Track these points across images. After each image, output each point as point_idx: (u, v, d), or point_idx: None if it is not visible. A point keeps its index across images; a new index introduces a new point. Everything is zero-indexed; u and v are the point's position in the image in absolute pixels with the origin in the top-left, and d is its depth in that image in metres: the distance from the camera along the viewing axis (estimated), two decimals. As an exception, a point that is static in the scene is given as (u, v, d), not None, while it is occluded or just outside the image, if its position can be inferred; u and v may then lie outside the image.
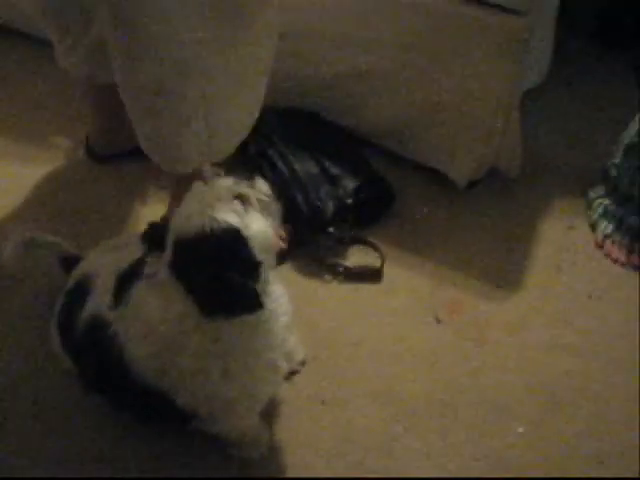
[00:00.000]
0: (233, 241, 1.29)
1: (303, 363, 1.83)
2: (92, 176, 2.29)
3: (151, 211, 2.14)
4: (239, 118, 1.83)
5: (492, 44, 1.97)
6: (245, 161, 2.19)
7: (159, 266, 1.36)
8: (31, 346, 1.86)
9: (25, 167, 2.31)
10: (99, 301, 1.53)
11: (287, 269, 2.02)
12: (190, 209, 1.32)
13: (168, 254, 1.34)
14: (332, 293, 2.01)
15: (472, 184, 2.21)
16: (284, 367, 1.56)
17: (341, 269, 2.04)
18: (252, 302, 1.31)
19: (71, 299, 1.64)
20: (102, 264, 1.62)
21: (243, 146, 2.17)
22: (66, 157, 2.35)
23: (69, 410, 1.76)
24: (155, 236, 1.40)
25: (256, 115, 1.87)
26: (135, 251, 1.58)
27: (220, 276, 1.28)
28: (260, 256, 1.33)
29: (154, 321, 1.38)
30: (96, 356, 1.52)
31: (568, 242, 2.15)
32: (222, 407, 1.49)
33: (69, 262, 1.77)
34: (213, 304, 1.32)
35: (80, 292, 1.59)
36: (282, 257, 1.97)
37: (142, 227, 1.72)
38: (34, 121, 2.46)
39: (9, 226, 1.96)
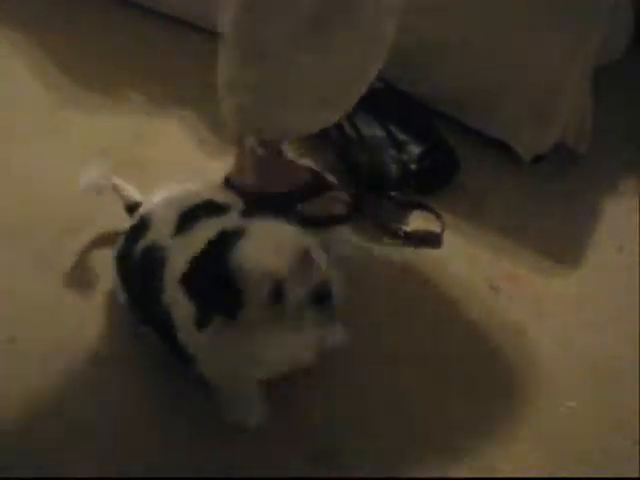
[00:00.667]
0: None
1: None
2: (157, 129, 2.33)
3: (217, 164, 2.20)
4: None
5: (569, 14, 1.94)
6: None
7: None
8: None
9: (97, 116, 2.37)
10: (159, 231, 1.60)
11: (348, 231, 2.05)
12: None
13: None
14: (391, 256, 2.02)
15: (538, 158, 2.19)
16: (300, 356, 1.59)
17: (401, 233, 2.05)
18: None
19: (134, 232, 1.70)
20: (167, 203, 1.69)
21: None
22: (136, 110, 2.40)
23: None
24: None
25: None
26: (200, 195, 1.69)
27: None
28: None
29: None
30: (145, 280, 1.57)
31: (632, 224, 2.12)
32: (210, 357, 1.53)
33: (134, 208, 1.83)
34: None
35: (143, 225, 1.67)
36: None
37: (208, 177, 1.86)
38: (111, 74, 2.51)
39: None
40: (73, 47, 2.60)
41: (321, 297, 1.33)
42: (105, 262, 1.87)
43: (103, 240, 2.01)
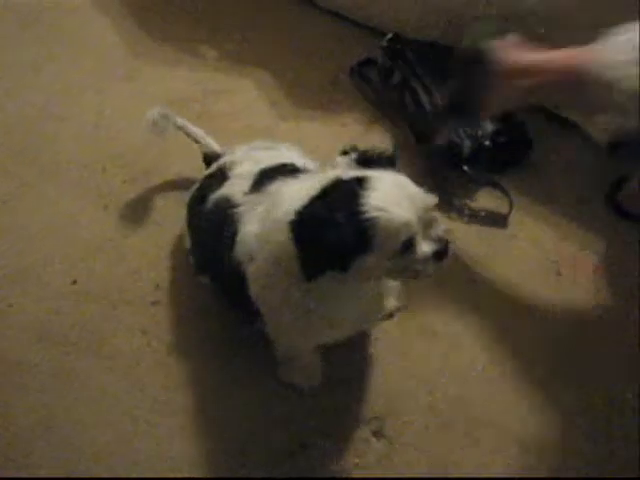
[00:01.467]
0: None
1: (392, 314, 1.80)
2: (235, 86, 2.34)
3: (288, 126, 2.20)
4: None
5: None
6: (388, 88, 2.20)
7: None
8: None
9: (170, 70, 2.38)
10: (235, 186, 1.58)
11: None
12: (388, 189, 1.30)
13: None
14: (456, 232, 2.00)
15: (614, 145, 2.14)
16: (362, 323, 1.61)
17: (468, 210, 2.03)
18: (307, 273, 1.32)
19: (207, 182, 1.70)
20: (249, 157, 1.68)
21: (388, 71, 2.19)
22: (209, 65, 2.41)
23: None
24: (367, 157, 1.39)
25: None
26: (285, 156, 1.67)
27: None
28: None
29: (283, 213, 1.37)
30: (213, 231, 1.56)
31: None
32: (278, 322, 1.52)
33: (211, 158, 1.84)
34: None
35: (218, 177, 1.66)
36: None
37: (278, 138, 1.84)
38: (188, 30, 2.51)
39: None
40: (152, 1, 2.60)
41: (442, 255, 1.35)
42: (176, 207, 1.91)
43: (172, 186, 2.05)
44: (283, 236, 1.32)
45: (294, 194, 1.36)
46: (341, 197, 1.29)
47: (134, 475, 1.62)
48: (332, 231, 1.25)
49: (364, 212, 1.25)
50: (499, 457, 1.65)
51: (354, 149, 1.41)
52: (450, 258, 1.38)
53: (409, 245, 1.30)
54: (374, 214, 1.25)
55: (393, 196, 1.28)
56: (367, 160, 1.38)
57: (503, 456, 1.65)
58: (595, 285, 1.92)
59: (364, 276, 1.36)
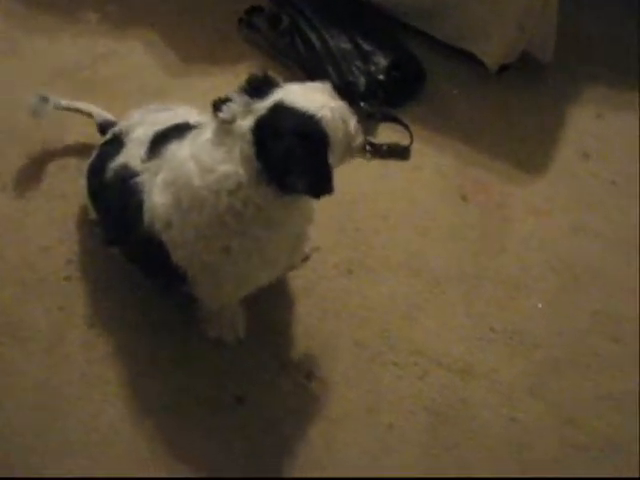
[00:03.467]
0: (315, 126, 1.34)
1: (308, 256, 1.85)
2: (122, 48, 2.28)
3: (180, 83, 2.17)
4: None
5: None
6: (278, 35, 2.19)
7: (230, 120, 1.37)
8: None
9: (53, 39, 2.30)
10: (132, 153, 1.57)
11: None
12: (301, 91, 1.39)
13: (257, 115, 1.36)
14: (360, 169, 1.99)
15: (503, 68, 2.20)
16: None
17: (369, 147, 2.04)
18: (328, 185, 1.37)
19: (105, 150, 1.68)
20: (143, 121, 1.66)
21: (276, 18, 2.18)
22: (93, 30, 2.33)
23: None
24: (257, 84, 1.42)
25: None
26: (179, 116, 1.65)
27: (301, 153, 1.32)
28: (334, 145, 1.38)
29: (195, 176, 1.39)
30: (117, 203, 1.55)
31: (596, 130, 2.16)
32: (213, 278, 1.53)
33: (106, 127, 1.81)
34: (288, 178, 1.34)
35: (115, 144, 1.64)
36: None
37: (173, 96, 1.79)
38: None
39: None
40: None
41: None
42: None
43: (71, 156, 2.00)
44: (222, 202, 1.37)
45: (201, 158, 1.39)
46: (280, 115, 1.35)
47: (78, 451, 1.60)
48: (283, 144, 1.33)
49: (312, 117, 1.34)
50: (427, 382, 1.71)
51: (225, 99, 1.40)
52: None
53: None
54: (319, 116, 1.35)
55: (326, 97, 1.40)
56: (259, 84, 1.42)
57: (429, 378, 1.71)
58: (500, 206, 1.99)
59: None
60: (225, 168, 1.35)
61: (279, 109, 1.35)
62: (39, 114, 1.89)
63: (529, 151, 2.10)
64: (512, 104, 2.19)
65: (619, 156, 2.10)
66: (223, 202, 1.37)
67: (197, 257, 1.46)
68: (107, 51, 2.26)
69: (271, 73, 1.46)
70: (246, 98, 1.38)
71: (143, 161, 1.52)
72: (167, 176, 1.45)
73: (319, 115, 1.34)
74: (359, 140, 1.48)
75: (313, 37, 2.10)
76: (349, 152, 1.47)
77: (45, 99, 1.88)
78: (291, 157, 1.32)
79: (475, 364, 1.74)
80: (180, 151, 1.44)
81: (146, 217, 1.47)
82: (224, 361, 1.71)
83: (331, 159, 1.37)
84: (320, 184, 1.37)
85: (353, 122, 1.45)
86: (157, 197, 1.46)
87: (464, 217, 1.96)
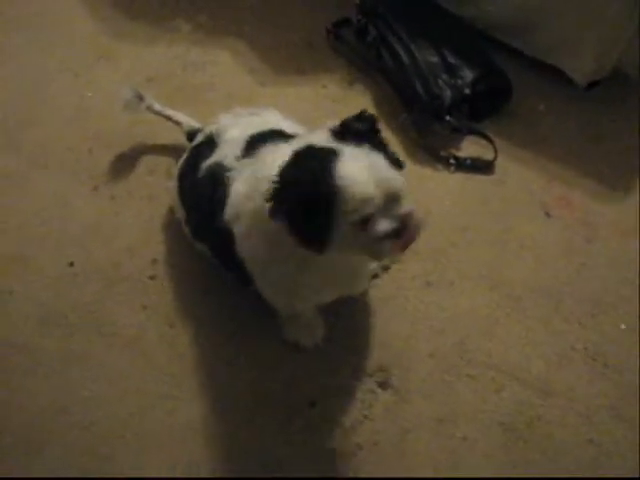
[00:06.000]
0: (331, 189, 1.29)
1: (377, 275, 1.85)
2: (212, 57, 2.34)
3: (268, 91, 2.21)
4: None
5: None
6: (365, 47, 2.21)
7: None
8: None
9: (147, 47, 2.38)
10: (226, 152, 1.60)
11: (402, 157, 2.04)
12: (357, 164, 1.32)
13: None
14: (443, 182, 2.03)
15: (592, 84, 2.16)
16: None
17: (453, 160, 2.05)
18: (316, 246, 1.35)
19: (197, 151, 1.73)
20: (237, 123, 1.70)
21: (363, 30, 2.20)
22: (185, 39, 2.40)
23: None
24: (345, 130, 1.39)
25: None
26: (271, 121, 1.69)
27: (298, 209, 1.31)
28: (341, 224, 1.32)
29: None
30: (207, 197, 1.59)
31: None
32: (264, 281, 1.56)
33: (193, 135, 1.86)
34: (274, 208, 1.35)
35: (208, 145, 1.68)
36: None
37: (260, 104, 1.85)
38: (159, 6, 2.50)
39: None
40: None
41: (401, 234, 1.35)
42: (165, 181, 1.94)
43: (159, 161, 2.07)
44: (259, 196, 1.37)
45: (278, 156, 1.39)
46: (315, 162, 1.32)
47: (153, 447, 1.65)
48: (296, 200, 1.31)
49: (331, 179, 1.29)
50: (503, 397, 1.69)
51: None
52: (415, 234, 1.37)
53: (367, 222, 1.32)
54: (341, 183, 1.28)
55: (361, 171, 1.30)
56: (345, 133, 1.38)
57: (505, 393, 1.69)
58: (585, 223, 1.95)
59: (332, 248, 1.37)
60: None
61: (326, 157, 1.32)
62: (131, 109, 1.97)
63: (617, 169, 2.05)
64: (601, 121, 2.14)
65: None
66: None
67: (251, 254, 1.50)
68: (197, 60, 2.32)
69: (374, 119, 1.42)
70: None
71: (238, 159, 1.56)
72: (253, 169, 1.49)
73: (345, 185, 1.28)
74: (378, 247, 1.35)
75: (400, 50, 2.11)
76: (363, 248, 1.37)
77: (140, 97, 1.97)
78: (287, 193, 1.32)
79: (553, 382, 1.71)
80: (272, 150, 1.48)
81: (227, 208, 1.51)
82: (300, 365, 1.73)
83: (334, 231, 1.32)
84: (303, 235, 1.34)
85: (381, 227, 1.33)
86: (239, 186, 1.50)
87: (547, 233, 1.93)
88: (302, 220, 1.32)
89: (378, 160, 1.34)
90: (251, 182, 1.46)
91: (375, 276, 1.83)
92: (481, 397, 1.69)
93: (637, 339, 1.76)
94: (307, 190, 1.30)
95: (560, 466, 1.60)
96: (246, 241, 1.50)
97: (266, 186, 1.35)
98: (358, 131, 1.37)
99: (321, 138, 1.38)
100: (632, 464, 1.60)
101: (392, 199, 1.33)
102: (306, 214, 1.30)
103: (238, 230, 1.50)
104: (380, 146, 1.38)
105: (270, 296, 1.62)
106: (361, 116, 1.40)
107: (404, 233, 1.35)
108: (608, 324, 1.79)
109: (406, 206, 1.35)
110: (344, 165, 1.30)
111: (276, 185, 1.33)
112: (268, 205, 1.34)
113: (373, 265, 1.79)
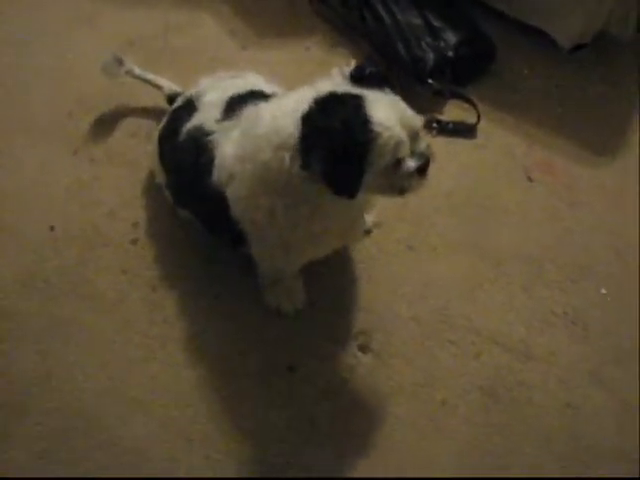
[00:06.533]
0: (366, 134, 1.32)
1: (370, 230, 1.86)
2: (194, 19, 2.31)
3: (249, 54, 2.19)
4: None
5: None
6: (348, 9, 2.18)
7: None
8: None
9: (128, 10, 2.34)
10: (206, 115, 1.59)
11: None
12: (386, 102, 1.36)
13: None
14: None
15: (578, 47, 2.15)
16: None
17: (436, 124, 2.03)
18: (347, 188, 1.36)
19: (177, 115, 1.71)
20: (215, 87, 1.68)
21: (347, -8, 2.17)
22: (167, 2, 2.36)
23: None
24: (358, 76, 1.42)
25: None
26: (251, 83, 1.68)
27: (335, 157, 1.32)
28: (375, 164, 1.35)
29: (261, 127, 1.42)
30: (189, 161, 1.58)
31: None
32: (262, 240, 1.55)
33: (174, 99, 1.84)
34: (310, 158, 1.35)
35: (187, 109, 1.67)
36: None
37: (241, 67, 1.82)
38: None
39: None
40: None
41: (425, 169, 1.42)
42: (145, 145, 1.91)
43: (140, 124, 2.04)
44: (267, 154, 1.38)
45: (275, 112, 1.40)
46: (346, 109, 1.34)
47: (138, 410, 1.65)
48: (336, 137, 1.31)
49: (369, 125, 1.31)
50: (483, 361, 1.70)
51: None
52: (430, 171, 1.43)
53: (399, 162, 1.37)
54: (377, 129, 1.31)
55: (390, 115, 1.34)
56: (360, 77, 1.41)
57: (486, 357, 1.70)
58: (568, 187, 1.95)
59: (324, 201, 1.40)
60: (283, 123, 1.37)
61: (354, 102, 1.35)
62: (111, 73, 1.94)
63: (601, 134, 2.05)
64: (585, 85, 2.13)
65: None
66: (270, 154, 1.38)
67: (248, 214, 1.49)
68: (179, 22, 2.29)
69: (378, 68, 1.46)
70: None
71: (218, 121, 1.56)
72: (242, 130, 1.48)
73: (380, 131, 1.32)
74: (407, 184, 1.42)
75: (383, 12, 2.09)
76: (391, 187, 1.43)
77: (120, 61, 1.95)
78: (322, 141, 1.32)
79: (533, 346, 1.72)
80: (262, 109, 1.47)
81: (215, 171, 1.51)
82: (281, 330, 1.73)
83: (367, 174, 1.34)
84: (339, 182, 1.36)
85: (410, 164, 1.39)
86: (228, 149, 1.49)
87: (529, 198, 1.93)
88: (338, 167, 1.33)
89: (399, 102, 1.39)
90: (244, 144, 1.45)
91: (368, 232, 1.83)
92: (461, 362, 1.70)
93: (617, 304, 1.77)
94: (342, 137, 1.32)
95: (538, 429, 1.62)
96: (243, 203, 1.48)
97: (264, 143, 1.38)
98: (374, 74, 1.41)
99: (338, 83, 1.41)
100: (610, 429, 1.62)
101: (414, 137, 1.39)
102: (342, 161, 1.32)
103: (232, 192, 1.49)
104: (395, 88, 1.42)
105: (264, 255, 1.62)
106: (372, 60, 1.43)
107: (426, 169, 1.42)
108: (589, 289, 1.80)
109: (424, 142, 1.42)
110: (375, 110, 1.33)
111: (306, 134, 1.34)
112: (296, 155, 1.35)
113: (369, 219, 1.81)
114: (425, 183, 1.44)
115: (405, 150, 1.36)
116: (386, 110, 1.34)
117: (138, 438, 1.61)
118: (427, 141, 1.43)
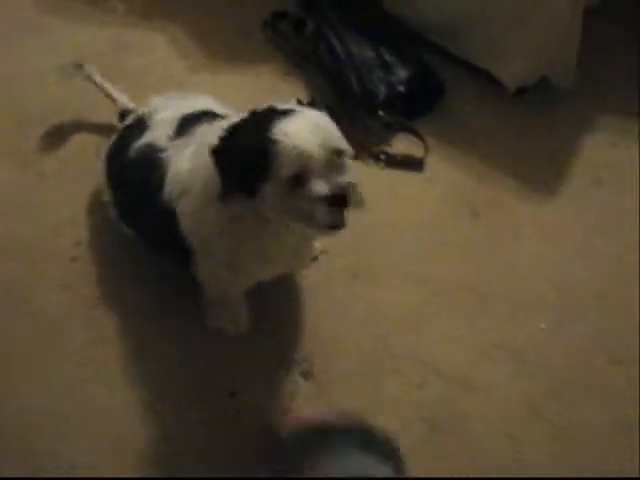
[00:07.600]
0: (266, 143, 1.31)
1: (316, 257, 1.85)
2: (146, 40, 2.30)
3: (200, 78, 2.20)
4: None
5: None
6: (302, 40, 2.21)
7: None
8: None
9: (80, 25, 2.33)
10: (157, 133, 1.59)
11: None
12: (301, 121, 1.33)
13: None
14: (373, 177, 2.03)
15: (521, 90, 2.21)
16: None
17: (384, 156, 2.06)
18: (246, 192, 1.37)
19: (127, 133, 1.70)
20: (167, 106, 1.68)
21: (301, 23, 2.20)
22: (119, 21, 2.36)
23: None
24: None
25: None
26: (203, 104, 1.68)
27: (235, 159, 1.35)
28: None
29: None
30: (139, 179, 1.57)
31: (611, 158, 2.15)
32: (210, 259, 1.54)
33: (126, 116, 1.82)
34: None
35: (138, 127, 1.65)
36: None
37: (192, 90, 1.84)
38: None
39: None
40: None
41: (337, 201, 1.33)
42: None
43: (89, 141, 2.02)
44: (210, 168, 1.37)
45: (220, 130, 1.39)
46: (253, 123, 1.36)
47: (74, 432, 1.60)
48: (238, 152, 1.33)
49: (269, 135, 1.30)
50: (426, 391, 1.70)
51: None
52: (349, 210, 1.35)
53: (303, 180, 1.31)
54: (276, 137, 1.29)
55: (303, 128, 1.31)
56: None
57: (428, 388, 1.71)
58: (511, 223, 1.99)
59: (267, 207, 1.37)
60: None
61: (276, 114, 1.35)
62: (67, 76, 1.94)
63: (543, 173, 2.10)
64: (528, 126, 2.19)
65: (631, 185, 2.09)
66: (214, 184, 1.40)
67: (197, 228, 1.48)
68: (131, 41, 2.28)
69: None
70: None
71: (170, 139, 1.56)
72: (196, 145, 1.48)
73: (281, 139, 1.29)
74: (318, 213, 1.32)
75: (337, 44, 2.12)
76: (298, 210, 1.34)
77: (80, 66, 1.93)
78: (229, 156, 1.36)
79: (475, 378, 1.73)
80: (215, 126, 1.46)
81: (167, 187, 1.50)
82: (224, 353, 1.71)
83: (270, 182, 1.32)
84: (233, 182, 1.37)
85: (317, 188, 1.31)
86: (182, 164, 1.49)
87: (474, 232, 1.96)
88: (237, 167, 1.34)
89: (330, 125, 1.36)
90: (196, 157, 1.46)
91: (314, 259, 1.83)
92: (404, 391, 1.70)
93: (556, 339, 1.80)
94: (245, 140, 1.33)
95: (478, 459, 1.62)
96: (191, 218, 1.48)
97: (208, 161, 1.38)
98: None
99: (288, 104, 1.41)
100: (548, 458, 1.63)
101: (336, 167, 1.33)
102: (242, 162, 1.33)
103: (184, 206, 1.48)
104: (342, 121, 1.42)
105: (210, 274, 1.60)
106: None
107: (339, 202, 1.32)
108: (529, 323, 1.82)
109: (349, 177, 1.35)
110: (287, 121, 1.31)
111: (222, 135, 1.36)
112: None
113: (316, 245, 1.81)
114: (341, 222, 1.35)
115: (313, 166, 1.30)
116: (300, 123, 1.31)
117: (77, 457, 1.57)
118: (355, 180, 1.36)
